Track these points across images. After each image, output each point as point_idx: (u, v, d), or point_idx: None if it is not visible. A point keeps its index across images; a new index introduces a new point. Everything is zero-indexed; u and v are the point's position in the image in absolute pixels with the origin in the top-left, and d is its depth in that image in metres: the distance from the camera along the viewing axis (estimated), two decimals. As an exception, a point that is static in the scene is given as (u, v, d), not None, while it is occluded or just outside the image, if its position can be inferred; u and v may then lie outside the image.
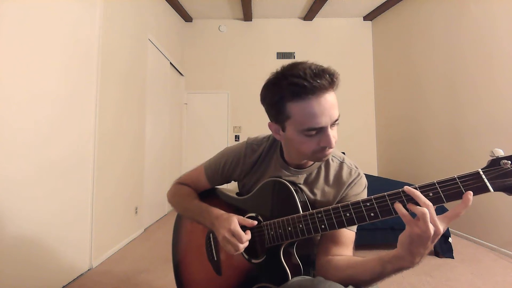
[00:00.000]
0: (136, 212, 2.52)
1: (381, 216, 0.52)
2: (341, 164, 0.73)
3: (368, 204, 0.54)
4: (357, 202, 0.55)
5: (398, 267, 0.53)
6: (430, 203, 0.47)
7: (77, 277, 1.68)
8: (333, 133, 0.60)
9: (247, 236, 0.64)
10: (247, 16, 3.97)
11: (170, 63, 3.52)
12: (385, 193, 0.52)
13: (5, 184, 1.23)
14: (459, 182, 0.47)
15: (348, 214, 0.56)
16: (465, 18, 2.50)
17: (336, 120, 0.59)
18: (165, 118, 3.37)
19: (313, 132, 0.59)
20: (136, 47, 2.55)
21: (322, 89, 0.55)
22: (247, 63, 4.12)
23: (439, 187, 0.48)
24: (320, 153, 0.62)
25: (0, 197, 1.21)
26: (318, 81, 0.54)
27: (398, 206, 0.50)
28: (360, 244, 0.72)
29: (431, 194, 0.49)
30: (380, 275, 0.56)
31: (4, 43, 1.22)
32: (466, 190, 0.46)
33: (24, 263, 1.32)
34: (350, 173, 0.72)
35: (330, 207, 0.59)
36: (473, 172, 0.47)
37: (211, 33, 4.16)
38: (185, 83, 4.11)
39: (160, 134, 3.20)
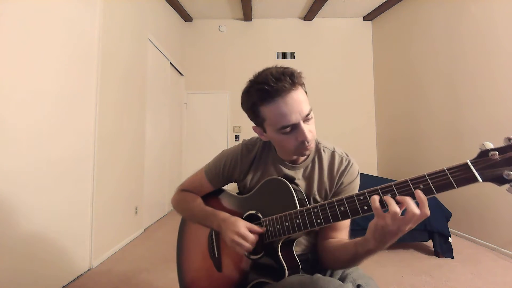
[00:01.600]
0: (136, 212, 2.52)
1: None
2: (332, 153, 0.77)
3: (361, 197, 0.56)
4: (351, 196, 0.57)
5: (366, 249, 0.58)
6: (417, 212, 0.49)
7: (77, 277, 1.68)
8: (308, 127, 0.64)
9: (255, 238, 0.67)
10: (247, 16, 3.97)
11: (170, 63, 3.52)
12: (378, 187, 0.54)
13: (5, 185, 1.23)
14: (448, 174, 0.49)
15: (342, 208, 0.58)
16: (465, 18, 2.50)
17: (308, 115, 0.63)
18: (165, 118, 3.37)
19: (288, 130, 0.63)
20: (136, 47, 2.55)
21: (284, 90, 0.60)
22: (247, 63, 4.11)
23: (429, 179, 0.50)
24: (301, 148, 0.66)
25: (1, 198, 1.21)
26: (279, 83, 0.60)
27: (374, 199, 0.52)
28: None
29: (421, 186, 0.50)
30: (356, 256, 0.61)
31: (4, 42, 1.22)
32: (455, 181, 0.48)
33: (24, 263, 1.32)
34: (341, 162, 0.76)
35: (326, 202, 0.61)
36: (462, 163, 0.48)
37: (211, 33, 4.16)
38: (185, 83, 4.11)
39: (160, 134, 3.20)
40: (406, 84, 3.36)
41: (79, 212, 1.73)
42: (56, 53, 1.54)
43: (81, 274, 1.72)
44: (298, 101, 0.61)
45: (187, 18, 4.04)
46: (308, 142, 0.64)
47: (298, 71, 0.63)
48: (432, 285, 1.61)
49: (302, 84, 0.64)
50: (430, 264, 1.88)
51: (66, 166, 1.61)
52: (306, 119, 0.63)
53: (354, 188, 0.76)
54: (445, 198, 2.49)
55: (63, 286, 1.56)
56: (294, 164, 0.76)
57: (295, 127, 0.63)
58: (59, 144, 1.56)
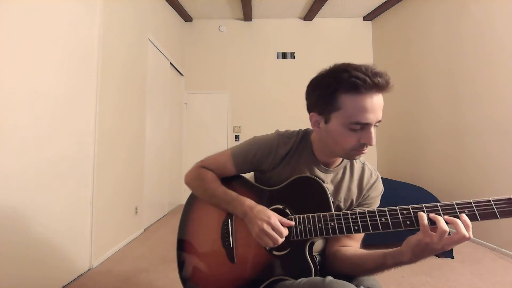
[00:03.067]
0: (136, 212, 2.51)
1: (417, 225, 0.55)
2: (363, 166, 0.78)
3: (405, 212, 0.56)
4: (394, 209, 0.58)
5: (397, 261, 0.58)
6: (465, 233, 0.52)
7: (77, 277, 1.68)
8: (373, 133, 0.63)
9: (286, 231, 0.64)
10: (247, 16, 3.97)
11: (170, 63, 3.52)
12: (423, 205, 0.55)
13: (5, 185, 1.23)
14: (493, 204, 0.52)
15: (383, 219, 0.58)
16: (465, 17, 2.50)
17: (379, 121, 0.63)
18: (165, 118, 3.37)
19: (358, 127, 0.61)
20: (136, 47, 2.55)
21: (379, 88, 0.59)
22: (247, 63, 4.11)
23: (475, 206, 0.53)
24: (356, 151, 0.64)
25: (0, 198, 1.21)
26: (378, 79, 0.58)
27: (422, 216, 0.54)
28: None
29: (466, 212, 0.53)
30: (381, 266, 0.61)
31: (4, 42, 1.22)
32: (499, 212, 0.51)
33: (24, 263, 1.32)
34: (371, 175, 0.76)
35: (366, 210, 0.61)
36: (507, 197, 0.52)
37: (211, 33, 4.16)
38: (185, 83, 4.11)
39: (160, 134, 3.20)
40: (406, 84, 3.36)
41: (79, 212, 1.73)
42: (56, 53, 1.54)
43: (81, 274, 1.72)
44: (380, 105, 0.61)
45: (187, 18, 4.04)
46: (367, 147, 0.64)
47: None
48: (432, 285, 1.61)
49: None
50: (430, 264, 1.88)
51: (66, 166, 1.61)
52: (375, 124, 0.63)
53: (377, 202, 0.77)
54: (445, 197, 2.49)
55: (63, 286, 1.56)
56: (327, 167, 0.74)
57: (366, 127, 0.61)
58: (59, 144, 1.56)
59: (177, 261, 0.81)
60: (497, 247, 2.12)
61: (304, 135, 0.78)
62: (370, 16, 4.02)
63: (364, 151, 0.64)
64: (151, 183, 2.90)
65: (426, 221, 0.53)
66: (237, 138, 4.05)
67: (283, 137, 0.77)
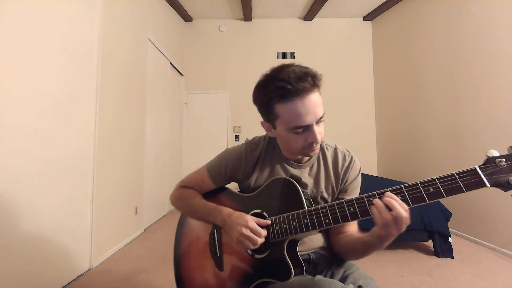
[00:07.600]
0: (136, 212, 2.52)
1: None
2: (335, 150, 0.79)
3: (371, 199, 0.57)
4: (361, 197, 0.58)
5: (378, 240, 0.60)
6: (406, 208, 0.54)
7: (77, 277, 1.68)
8: (319, 129, 0.65)
9: (264, 232, 0.66)
10: (247, 16, 3.97)
11: (170, 63, 3.52)
12: (388, 189, 0.55)
13: (5, 184, 1.23)
14: (457, 178, 0.50)
15: (352, 209, 0.59)
16: (465, 18, 2.50)
17: (321, 118, 0.64)
18: (165, 118, 3.37)
19: (300, 130, 0.64)
20: (136, 47, 2.55)
21: (305, 91, 0.60)
22: (247, 63, 4.12)
23: (439, 182, 0.52)
24: (308, 149, 0.68)
25: (0, 198, 1.21)
26: (301, 84, 0.59)
27: (377, 202, 0.55)
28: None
29: (431, 189, 0.52)
30: (370, 246, 0.63)
31: (4, 42, 1.22)
32: (464, 185, 0.50)
33: (24, 263, 1.32)
34: (344, 158, 0.78)
35: (335, 202, 0.62)
36: (471, 168, 0.50)
37: (211, 33, 4.16)
38: (185, 83, 4.11)
39: (160, 134, 3.20)
40: (406, 84, 3.35)
41: (79, 212, 1.73)
42: (56, 53, 1.54)
43: (81, 274, 1.72)
44: (315, 104, 0.61)
45: (187, 18, 4.04)
46: (316, 144, 0.66)
47: (319, 73, 0.63)
48: (432, 285, 1.61)
49: (319, 87, 0.63)
50: (430, 264, 1.88)
51: (66, 166, 1.61)
52: (318, 121, 0.64)
53: (358, 183, 0.78)
54: (445, 197, 2.49)
55: (63, 286, 1.56)
56: (299, 163, 0.76)
57: (308, 128, 0.63)
58: (59, 144, 1.56)
59: (174, 277, 0.85)
60: (497, 247, 2.12)
61: (271, 138, 0.80)
62: (370, 16, 4.02)
63: (315, 148, 0.67)
64: (151, 183, 2.90)
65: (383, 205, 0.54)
66: (237, 138, 4.05)
67: (250, 145, 0.81)
